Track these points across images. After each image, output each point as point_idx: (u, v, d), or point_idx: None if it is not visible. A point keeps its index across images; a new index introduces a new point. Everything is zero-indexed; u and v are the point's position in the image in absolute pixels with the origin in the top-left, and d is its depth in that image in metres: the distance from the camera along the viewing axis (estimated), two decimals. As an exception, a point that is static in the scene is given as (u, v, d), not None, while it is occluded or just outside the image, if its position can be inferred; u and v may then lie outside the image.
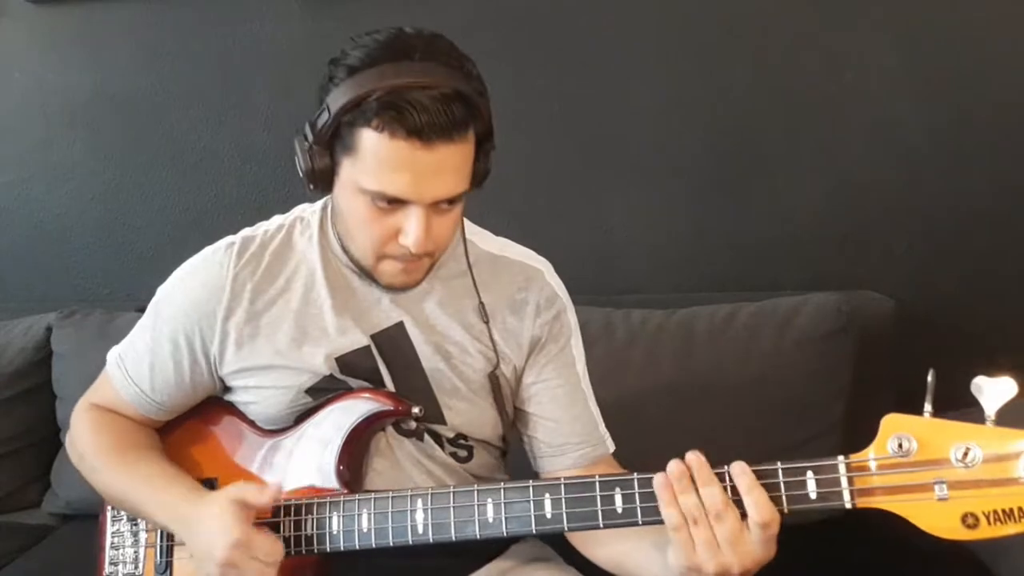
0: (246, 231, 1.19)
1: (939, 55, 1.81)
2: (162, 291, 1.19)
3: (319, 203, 1.19)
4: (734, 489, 0.91)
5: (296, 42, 2.00)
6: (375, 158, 0.98)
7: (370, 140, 0.98)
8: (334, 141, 1.01)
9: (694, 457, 0.93)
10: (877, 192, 1.86)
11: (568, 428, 1.17)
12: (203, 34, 2.05)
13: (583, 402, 1.19)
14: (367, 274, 1.12)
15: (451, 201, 1.03)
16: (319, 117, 1.01)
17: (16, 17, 2.10)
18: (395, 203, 1.01)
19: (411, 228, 1.01)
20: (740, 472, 0.90)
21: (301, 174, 1.05)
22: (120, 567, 1.22)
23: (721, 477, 0.91)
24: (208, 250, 1.18)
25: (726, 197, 1.92)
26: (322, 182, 1.05)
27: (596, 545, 1.13)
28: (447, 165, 0.99)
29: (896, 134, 1.84)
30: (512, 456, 1.27)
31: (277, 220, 1.20)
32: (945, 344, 1.73)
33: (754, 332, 1.68)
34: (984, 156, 1.82)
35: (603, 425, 1.20)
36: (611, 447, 1.20)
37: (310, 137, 1.02)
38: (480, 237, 1.21)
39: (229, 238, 1.18)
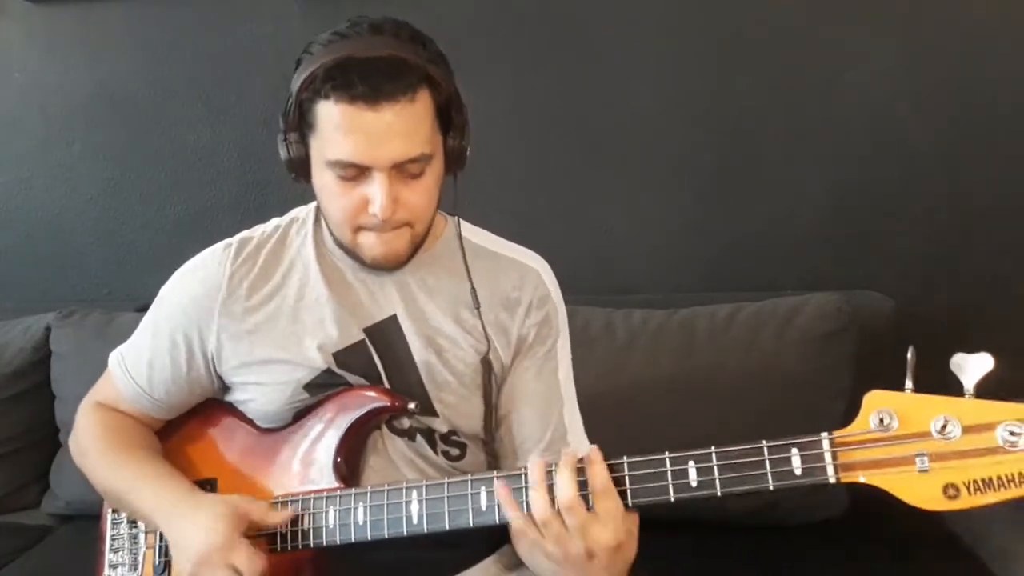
0: (243, 233, 1.21)
1: (939, 55, 1.81)
2: (162, 291, 1.22)
3: (314, 203, 1.21)
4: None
5: (296, 42, 1.95)
6: (330, 125, 1.02)
7: (324, 110, 1.02)
8: (302, 125, 1.06)
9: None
10: (877, 192, 1.86)
11: (538, 435, 1.17)
12: (203, 34, 2.05)
13: (558, 410, 1.19)
14: (352, 255, 1.13)
15: (414, 170, 1.05)
16: (286, 103, 1.06)
17: (15, 17, 2.10)
18: (358, 173, 1.04)
19: (375, 194, 1.04)
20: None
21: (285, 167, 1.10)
22: (119, 569, 1.22)
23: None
24: (206, 251, 1.21)
25: (726, 197, 1.92)
26: (301, 169, 1.09)
27: None
28: (397, 126, 1.01)
29: (896, 134, 1.84)
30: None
31: (274, 222, 1.23)
32: (945, 344, 1.73)
33: (754, 332, 1.68)
34: (984, 156, 1.82)
35: (577, 433, 1.20)
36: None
37: (282, 126, 1.07)
38: (477, 235, 1.23)
39: (227, 240, 1.20)
